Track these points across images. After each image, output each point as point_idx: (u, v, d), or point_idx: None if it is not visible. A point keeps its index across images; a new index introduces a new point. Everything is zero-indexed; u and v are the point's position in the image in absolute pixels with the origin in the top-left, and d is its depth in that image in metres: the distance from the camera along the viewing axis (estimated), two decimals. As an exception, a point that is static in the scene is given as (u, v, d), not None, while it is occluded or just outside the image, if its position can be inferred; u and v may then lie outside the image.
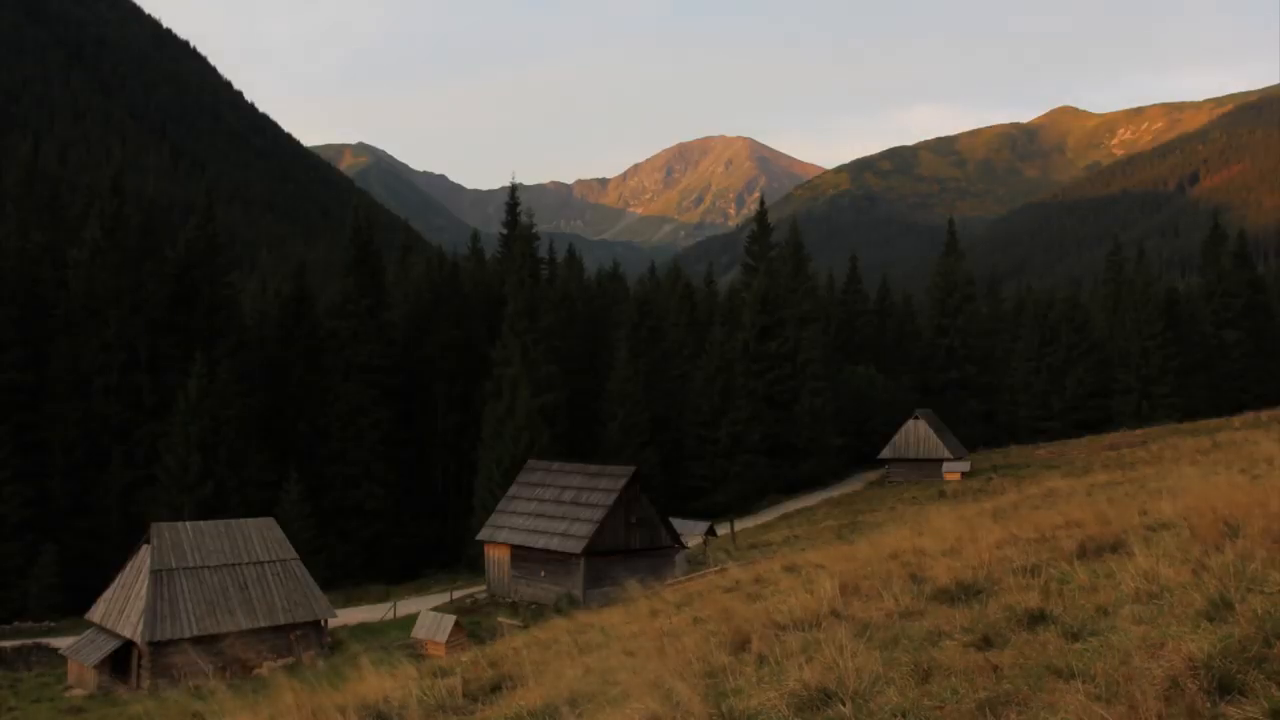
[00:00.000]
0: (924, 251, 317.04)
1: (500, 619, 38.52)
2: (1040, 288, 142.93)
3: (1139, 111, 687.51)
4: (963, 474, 72.46)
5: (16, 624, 46.58)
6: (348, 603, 48.63)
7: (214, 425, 56.16)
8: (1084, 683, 5.73)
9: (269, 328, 73.87)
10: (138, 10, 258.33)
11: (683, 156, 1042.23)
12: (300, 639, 36.51)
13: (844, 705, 6.05)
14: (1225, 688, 5.21)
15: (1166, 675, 5.31)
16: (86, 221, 65.64)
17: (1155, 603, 7.35)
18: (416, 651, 31.53)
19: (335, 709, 8.87)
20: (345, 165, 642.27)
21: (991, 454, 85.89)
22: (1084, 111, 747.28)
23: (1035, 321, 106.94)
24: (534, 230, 76.48)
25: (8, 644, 40.77)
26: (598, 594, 39.43)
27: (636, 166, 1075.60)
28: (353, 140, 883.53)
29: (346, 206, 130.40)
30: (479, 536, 48.27)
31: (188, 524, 38.40)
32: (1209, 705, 5.04)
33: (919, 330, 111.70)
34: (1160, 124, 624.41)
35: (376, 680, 10.20)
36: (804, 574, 15.73)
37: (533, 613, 40.47)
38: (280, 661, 34.73)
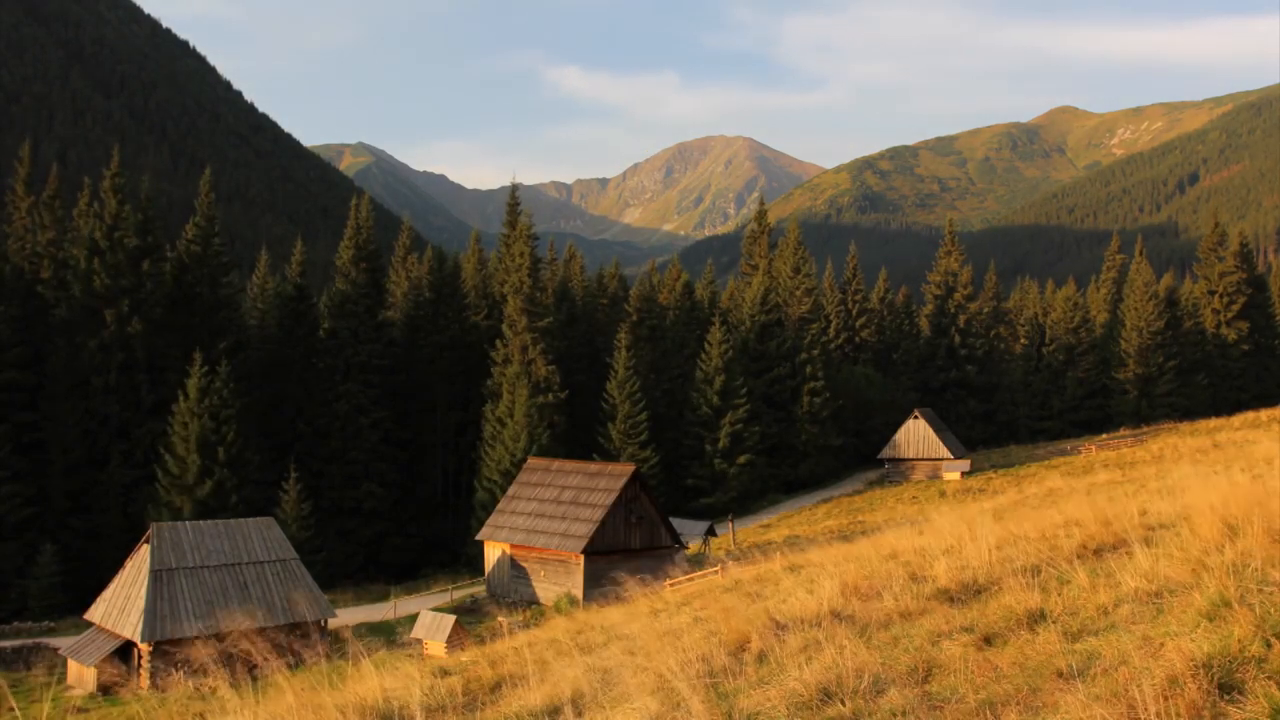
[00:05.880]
0: (924, 251, 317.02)
1: (500, 619, 38.52)
2: (1040, 288, 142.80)
3: (1139, 111, 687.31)
4: (963, 474, 72.50)
5: (16, 624, 46.56)
6: (348, 603, 48.69)
7: (214, 425, 56.18)
8: (1084, 683, 5.74)
9: (269, 327, 73.94)
10: (137, 10, 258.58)
11: (682, 156, 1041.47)
12: (300, 639, 36.50)
13: (844, 705, 6.05)
14: (1225, 688, 5.21)
15: (1166, 675, 5.32)
16: (87, 221, 65.62)
17: (1155, 603, 7.35)
18: (417, 651, 31.55)
19: (336, 709, 8.87)
20: (345, 165, 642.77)
21: (991, 454, 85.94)
22: (1084, 111, 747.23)
23: (1035, 321, 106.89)
24: (534, 230, 76.56)
25: (8, 644, 40.74)
26: (598, 593, 39.45)
27: (636, 166, 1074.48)
28: (352, 140, 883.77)
29: (346, 206, 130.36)
30: (479, 536, 48.29)
31: (188, 524, 38.42)
32: (1209, 705, 5.04)
33: (919, 330, 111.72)
34: (1160, 124, 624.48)
35: (377, 680, 10.20)
36: (804, 574, 15.75)
37: (533, 612, 40.48)
38: (280, 661, 34.68)
